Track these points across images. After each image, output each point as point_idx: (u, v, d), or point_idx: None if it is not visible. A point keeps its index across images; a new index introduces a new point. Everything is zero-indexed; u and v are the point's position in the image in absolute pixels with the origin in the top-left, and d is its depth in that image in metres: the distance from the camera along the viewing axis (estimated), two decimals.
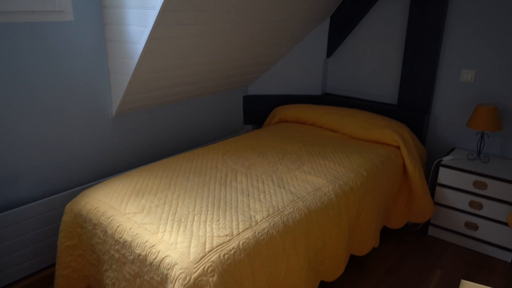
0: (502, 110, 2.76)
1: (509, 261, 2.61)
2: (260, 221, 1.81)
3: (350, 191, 2.24)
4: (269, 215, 1.85)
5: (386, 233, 2.89)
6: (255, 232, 1.73)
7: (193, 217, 1.81)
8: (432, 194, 2.80)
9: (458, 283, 2.41)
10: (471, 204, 2.66)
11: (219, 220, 1.79)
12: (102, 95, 2.43)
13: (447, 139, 3.04)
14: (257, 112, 3.59)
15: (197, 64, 2.64)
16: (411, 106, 3.07)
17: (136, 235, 1.71)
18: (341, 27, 3.29)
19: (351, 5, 3.19)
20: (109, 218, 1.85)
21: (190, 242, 1.62)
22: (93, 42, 2.29)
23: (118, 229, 1.79)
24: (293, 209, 1.94)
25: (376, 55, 3.23)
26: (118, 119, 2.59)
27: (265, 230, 1.76)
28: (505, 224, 2.56)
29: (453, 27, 2.84)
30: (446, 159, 2.78)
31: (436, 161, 2.80)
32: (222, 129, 3.43)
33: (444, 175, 2.73)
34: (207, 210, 1.87)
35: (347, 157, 2.56)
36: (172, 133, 3.00)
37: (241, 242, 1.66)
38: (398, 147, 2.77)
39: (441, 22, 2.81)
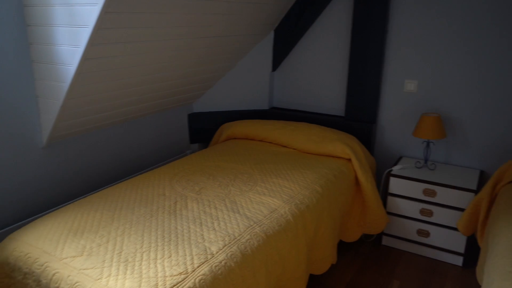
0: (445, 118, 2.84)
1: (460, 264, 2.66)
2: (216, 252, 1.67)
3: (307, 210, 2.16)
4: (225, 245, 1.72)
5: (341, 247, 2.85)
6: (211, 266, 1.59)
7: (142, 256, 1.63)
8: (384, 204, 2.81)
9: None
10: (422, 211, 2.69)
11: (170, 256, 1.63)
12: (29, 122, 2.18)
13: (394, 148, 3.08)
14: (203, 130, 3.45)
15: (136, 84, 2.47)
16: (358, 117, 3.08)
17: (76, 283, 1.51)
18: (285, 40, 3.26)
19: (295, 18, 3.16)
20: (42, 265, 1.63)
21: (140, 286, 1.45)
22: (16, 64, 2.04)
23: (54, 277, 1.57)
24: (250, 235, 1.82)
25: (322, 67, 3.22)
26: (50, 148, 2.34)
27: (222, 262, 1.63)
28: (455, 229, 2.62)
29: (395, 40, 2.89)
30: (395, 169, 2.80)
31: (386, 171, 2.82)
32: (167, 150, 3.25)
33: (395, 185, 2.75)
34: (157, 246, 1.70)
35: (301, 174, 2.49)
36: (112, 158, 2.78)
37: (197, 280, 1.51)
38: (349, 160, 2.75)
39: (383, 35, 2.86)
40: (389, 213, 2.81)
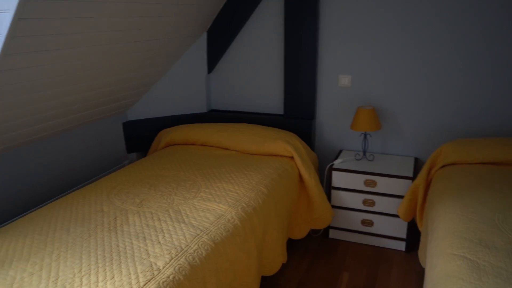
0: (379, 110, 2.94)
1: (404, 249, 2.77)
2: (163, 267, 1.59)
3: (254, 212, 2.13)
4: (172, 258, 1.64)
5: (291, 245, 2.86)
6: (159, 283, 1.50)
7: (81, 280, 1.51)
8: (329, 197, 2.85)
9: (365, 281, 2.47)
10: (365, 202, 2.77)
11: (113, 277, 1.52)
12: None
13: (334, 143, 3.14)
14: (140, 138, 3.30)
15: (59, 95, 2.29)
16: (297, 114, 3.11)
17: None
18: (219, 41, 3.21)
19: (227, 19, 3.12)
20: None
21: None
22: None
23: None
24: (198, 245, 1.75)
25: (258, 67, 3.20)
26: None
27: (170, 277, 1.55)
28: (396, 216, 2.72)
29: (327, 36, 2.94)
30: (336, 163, 2.85)
31: (328, 166, 2.86)
32: (103, 162, 3.08)
33: (337, 178, 2.80)
34: (98, 268, 1.58)
35: (245, 176, 2.46)
36: (42, 176, 2.57)
37: None
38: (292, 157, 2.76)
39: (315, 32, 2.90)
40: (334, 207, 2.86)
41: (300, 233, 2.71)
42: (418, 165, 2.92)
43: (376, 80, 2.90)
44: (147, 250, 1.70)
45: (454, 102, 2.75)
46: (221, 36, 3.19)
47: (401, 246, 2.77)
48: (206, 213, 2.01)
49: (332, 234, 2.93)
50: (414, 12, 2.69)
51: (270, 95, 3.23)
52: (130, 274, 1.54)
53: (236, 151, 2.91)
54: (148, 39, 2.57)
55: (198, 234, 1.82)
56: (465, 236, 1.71)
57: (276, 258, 2.29)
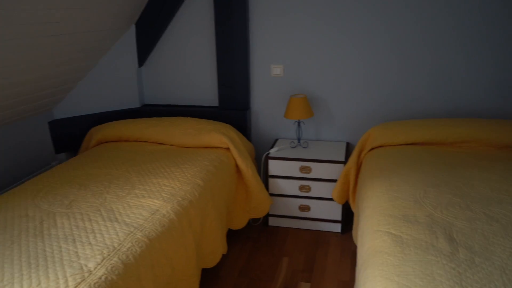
0: (311, 98, 3.02)
1: (340, 231, 2.89)
2: (94, 268, 1.53)
3: (190, 205, 2.11)
4: (104, 259, 1.59)
5: (231, 236, 2.88)
6: (90, 285, 1.45)
7: None
8: (266, 186, 2.90)
9: (304, 264, 2.54)
10: (301, 188, 2.84)
11: (40, 283, 1.44)
12: None
13: (270, 132, 3.19)
14: (69, 137, 3.15)
15: None
16: (232, 105, 3.11)
17: None
18: (149, 33, 3.12)
19: (155, 10, 3.04)
20: None
21: None
22: None
23: None
24: (132, 243, 1.71)
25: (191, 59, 3.16)
26: None
27: (102, 278, 1.50)
28: (331, 199, 2.82)
29: (257, 27, 2.96)
30: (272, 151, 2.90)
31: (264, 155, 2.90)
32: (28, 164, 2.90)
33: (274, 167, 2.85)
34: (22, 275, 1.49)
35: (180, 169, 2.43)
36: None
37: None
38: (228, 149, 2.77)
39: (245, 22, 2.90)
40: (272, 195, 2.91)
41: (239, 223, 2.73)
42: (349, 149, 3.04)
43: (308, 69, 2.97)
44: (76, 252, 1.63)
45: (381, 89, 2.89)
46: (150, 28, 3.10)
47: (337, 228, 2.88)
48: (140, 210, 1.96)
49: (272, 221, 2.99)
50: (344, 1, 2.78)
51: (204, 87, 3.20)
52: (58, 278, 1.47)
53: (171, 145, 2.86)
54: (71, 32, 2.44)
55: (131, 232, 1.78)
56: (390, 213, 1.82)
57: (216, 250, 2.30)
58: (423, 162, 2.33)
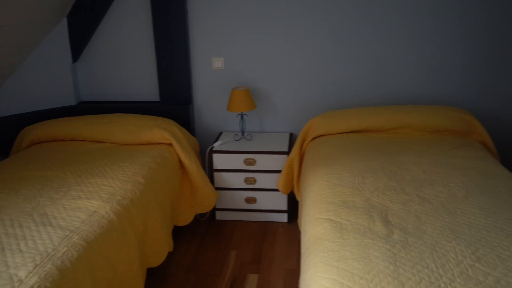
0: (253, 90, 3.02)
1: (286, 220, 2.93)
2: (26, 277, 1.44)
3: (131, 204, 2.05)
4: (36, 266, 1.50)
5: (178, 232, 2.83)
6: None
7: None
8: (212, 180, 2.87)
9: (251, 256, 2.56)
10: (247, 180, 2.85)
11: None
12: None
13: (214, 126, 3.16)
14: None
15: None
16: (173, 100, 3.05)
17: None
18: (83, 27, 2.97)
19: (88, 2, 2.89)
20: None
21: None
22: None
23: None
24: (68, 247, 1.63)
25: (129, 53, 3.05)
26: None
27: (35, 286, 1.41)
28: (277, 190, 2.85)
29: (198, 19, 2.91)
30: (216, 145, 2.88)
31: (208, 149, 2.88)
32: None
33: (218, 160, 2.83)
34: None
35: (120, 168, 2.34)
36: None
37: None
38: (171, 144, 2.71)
39: (184, 14, 2.84)
40: (217, 189, 2.89)
41: (185, 219, 2.69)
42: (293, 139, 3.08)
43: (250, 61, 2.96)
44: (5, 261, 1.52)
45: (322, 80, 2.95)
46: (83, 21, 2.95)
47: (284, 217, 2.92)
48: (76, 212, 1.88)
49: (219, 215, 2.97)
50: None
51: (144, 82, 3.11)
52: None
53: (111, 143, 2.76)
54: None
55: (67, 236, 1.69)
56: (330, 200, 1.86)
57: (161, 248, 2.25)
58: (362, 149, 2.40)
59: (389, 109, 2.71)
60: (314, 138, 2.70)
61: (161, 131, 2.67)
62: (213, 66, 3.00)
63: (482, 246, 1.48)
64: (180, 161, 2.69)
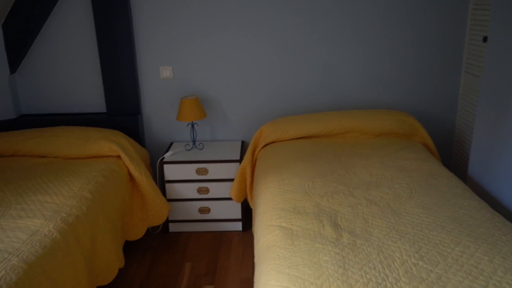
0: (203, 99, 3.00)
1: (241, 229, 2.92)
2: None
3: (77, 221, 1.96)
4: None
5: (130, 247, 2.74)
6: None
7: None
8: (164, 192, 2.81)
9: (206, 267, 2.52)
10: (199, 190, 2.81)
11: None
12: None
13: (164, 136, 3.10)
14: None
15: None
16: (121, 110, 2.96)
17: None
18: (20, 36, 2.82)
19: (25, 11, 2.76)
20: None
21: None
22: None
23: None
24: (6, 270, 1.53)
25: (72, 63, 2.93)
26: None
27: None
28: (230, 199, 2.83)
29: (144, 27, 2.85)
30: (167, 156, 2.83)
31: (159, 160, 2.82)
32: None
33: (170, 171, 2.78)
34: None
35: (65, 183, 2.24)
36: None
37: None
38: (119, 157, 2.63)
39: (129, 22, 2.78)
40: (170, 200, 2.83)
41: (137, 233, 2.62)
42: (245, 147, 3.09)
43: (198, 69, 2.94)
44: None
45: (272, 86, 2.97)
46: (20, 30, 2.81)
47: (238, 226, 2.91)
48: (16, 233, 1.77)
49: (172, 227, 2.91)
50: (231, 1, 2.79)
51: (89, 93, 3.00)
52: None
53: (54, 157, 2.63)
54: None
55: (6, 258, 1.59)
56: (281, 207, 1.87)
57: (111, 265, 2.17)
58: (311, 154, 2.44)
59: (337, 114, 2.78)
60: (265, 145, 2.72)
61: (108, 143, 2.58)
62: (161, 75, 2.95)
63: (425, 244, 1.54)
64: (130, 174, 2.61)
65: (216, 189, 2.81)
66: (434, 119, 3.01)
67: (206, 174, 2.77)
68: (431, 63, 2.89)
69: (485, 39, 2.49)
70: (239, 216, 2.88)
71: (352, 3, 2.78)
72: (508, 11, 1.98)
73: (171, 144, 3.06)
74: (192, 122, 2.92)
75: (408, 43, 2.85)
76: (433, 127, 3.02)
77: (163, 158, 2.80)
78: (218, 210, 2.86)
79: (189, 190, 2.81)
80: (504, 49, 2.01)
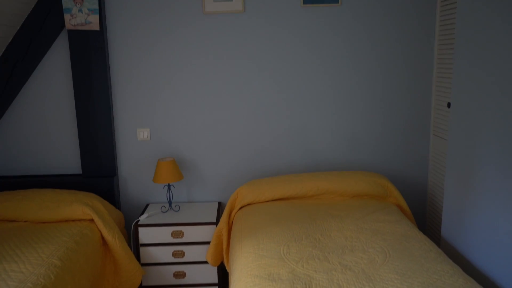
0: (180, 160, 3.02)
1: None
2: None
3: None
4: None
5: None
6: None
7: None
8: (138, 255, 2.74)
9: None
10: (175, 254, 2.75)
11: None
12: None
13: (140, 198, 3.07)
14: None
15: None
16: (97, 172, 2.94)
17: None
18: None
19: (4, 74, 2.80)
20: None
21: None
22: None
23: None
24: None
25: (50, 125, 2.94)
26: None
27: None
28: (206, 262, 2.77)
29: (122, 90, 2.91)
30: (142, 218, 2.78)
31: (133, 223, 2.77)
32: None
33: (144, 234, 2.72)
34: None
35: (34, 249, 2.17)
36: None
37: None
38: (92, 220, 2.58)
39: (107, 85, 2.84)
40: (144, 264, 2.75)
41: None
42: (221, 209, 3.07)
43: (175, 131, 2.99)
44: None
45: (248, 148, 3.02)
46: None
47: None
48: None
49: None
50: (207, 64, 2.90)
51: (65, 153, 2.99)
52: None
53: (24, 221, 2.56)
54: None
55: None
56: (256, 274, 1.84)
57: None
58: (287, 217, 2.45)
59: (312, 176, 2.82)
60: (241, 207, 2.71)
61: (81, 206, 2.54)
62: (138, 137, 2.98)
63: None
64: (103, 238, 2.55)
65: (192, 253, 2.75)
66: (407, 180, 3.09)
67: (182, 237, 2.73)
68: (402, 126, 3.01)
69: (449, 105, 2.63)
70: (215, 280, 2.80)
71: (326, 68, 2.93)
72: (468, 79, 2.12)
73: (147, 205, 3.02)
74: (169, 183, 2.91)
75: (379, 106, 2.98)
76: (406, 187, 3.09)
77: (138, 220, 2.76)
78: (194, 274, 2.78)
79: (164, 254, 2.74)
80: (467, 115, 2.13)
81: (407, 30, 2.88)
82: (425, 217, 3.13)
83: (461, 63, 2.18)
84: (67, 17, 2.71)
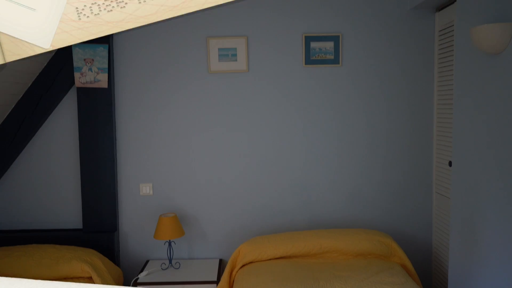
0: (182, 216, 3.00)
1: None
2: None
3: None
4: None
5: None
6: None
7: None
8: None
9: None
10: None
11: None
12: None
13: (140, 254, 3.02)
14: None
15: None
16: (97, 227, 2.92)
17: None
18: (3, 152, 2.88)
19: (12, 130, 2.86)
20: None
21: None
22: None
23: None
24: None
25: (51, 178, 2.96)
26: None
27: None
28: None
29: (126, 145, 2.96)
30: (141, 276, 2.73)
31: (133, 280, 2.71)
32: None
33: None
34: None
35: None
36: None
37: None
38: (90, 277, 2.52)
39: (111, 140, 2.89)
40: None
41: None
42: (222, 266, 3.01)
43: (178, 187, 2.99)
44: None
45: (250, 204, 3.01)
46: (4, 150, 2.87)
47: None
48: None
49: None
50: (209, 121, 2.96)
51: (67, 208, 2.98)
52: None
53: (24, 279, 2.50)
54: None
55: None
56: None
57: None
58: (289, 277, 2.40)
59: (315, 234, 2.79)
60: (243, 265, 2.66)
61: (80, 264, 2.50)
62: (141, 192, 2.99)
63: None
64: None
65: None
66: (411, 238, 3.04)
67: None
68: (404, 184, 3.01)
69: (450, 163, 2.65)
70: None
71: (328, 126, 2.98)
72: (468, 139, 2.15)
73: (147, 262, 2.97)
74: (170, 240, 2.88)
75: (382, 164, 3.00)
76: (410, 246, 3.04)
77: (137, 278, 2.70)
78: None
79: None
80: (468, 173, 2.14)
81: (406, 89, 2.96)
82: (431, 276, 3.05)
83: (460, 124, 2.23)
84: (77, 75, 2.81)
